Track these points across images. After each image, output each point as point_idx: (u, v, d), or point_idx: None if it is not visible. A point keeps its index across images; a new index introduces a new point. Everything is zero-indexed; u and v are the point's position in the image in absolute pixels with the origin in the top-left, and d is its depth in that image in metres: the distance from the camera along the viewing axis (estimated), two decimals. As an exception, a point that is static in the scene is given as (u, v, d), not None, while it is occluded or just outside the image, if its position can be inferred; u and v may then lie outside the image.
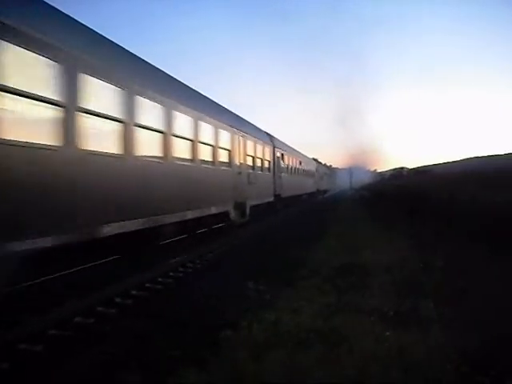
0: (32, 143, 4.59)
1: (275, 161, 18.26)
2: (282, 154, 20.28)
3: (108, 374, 3.64)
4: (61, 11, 5.58)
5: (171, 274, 7.66)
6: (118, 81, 6.25)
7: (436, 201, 14.41)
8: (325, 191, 49.53)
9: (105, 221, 5.83)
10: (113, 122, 6.13)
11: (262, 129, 18.46)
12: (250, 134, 14.10)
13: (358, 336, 4.14)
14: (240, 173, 12.54)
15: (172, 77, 9.28)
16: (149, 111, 7.17)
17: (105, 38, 6.71)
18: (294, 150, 26.09)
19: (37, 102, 4.67)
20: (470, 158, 42.45)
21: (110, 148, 6.07)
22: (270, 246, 10.32)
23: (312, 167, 34.27)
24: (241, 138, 12.85)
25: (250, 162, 14.02)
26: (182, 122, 8.60)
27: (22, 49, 4.46)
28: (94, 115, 5.67)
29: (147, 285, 6.80)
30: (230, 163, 11.67)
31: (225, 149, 11.29)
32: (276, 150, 18.64)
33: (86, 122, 5.45)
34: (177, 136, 8.25)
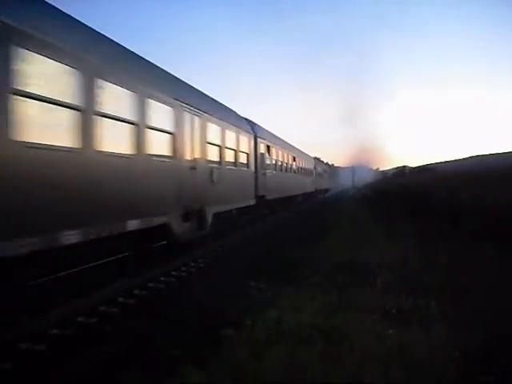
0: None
1: (258, 155, 15.00)
2: (269, 147, 16.93)
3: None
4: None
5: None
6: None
7: (438, 199, 14.40)
8: (326, 191, 47.82)
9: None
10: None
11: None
12: (214, 116, 10.30)
13: (359, 334, 4.14)
14: (194, 168, 8.81)
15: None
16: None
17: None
18: (285, 143, 22.40)
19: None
20: (472, 157, 42.39)
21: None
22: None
23: (309, 164, 31.38)
24: (196, 118, 9.07)
25: (214, 153, 10.27)
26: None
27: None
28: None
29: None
30: (174, 154, 7.95)
31: (163, 131, 7.59)
32: (259, 140, 15.27)
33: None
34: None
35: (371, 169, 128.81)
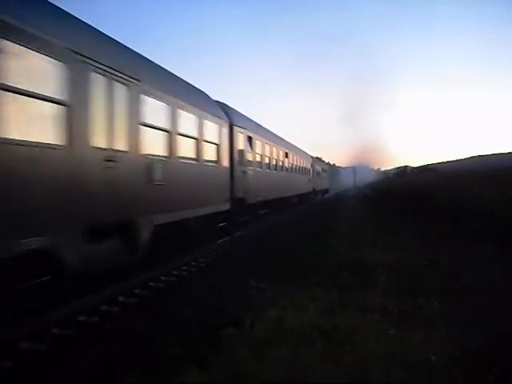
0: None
1: (235, 148, 12.10)
2: (251, 139, 13.98)
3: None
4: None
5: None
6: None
7: (439, 199, 14.40)
8: (325, 191, 45.21)
9: None
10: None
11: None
12: (157, 88, 7.49)
13: (360, 334, 4.13)
14: (111, 160, 6.00)
15: None
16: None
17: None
18: (275, 136, 19.47)
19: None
20: (474, 157, 42.40)
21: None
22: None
23: (306, 162, 29.02)
24: (119, 86, 6.30)
25: (156, 141, 7.58)
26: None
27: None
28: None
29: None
30: (61, 137, 5.04)
31: (34, 96, 4.63)
32: (237, 130, 12.32)
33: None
34: None
35: (372, 169, 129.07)
